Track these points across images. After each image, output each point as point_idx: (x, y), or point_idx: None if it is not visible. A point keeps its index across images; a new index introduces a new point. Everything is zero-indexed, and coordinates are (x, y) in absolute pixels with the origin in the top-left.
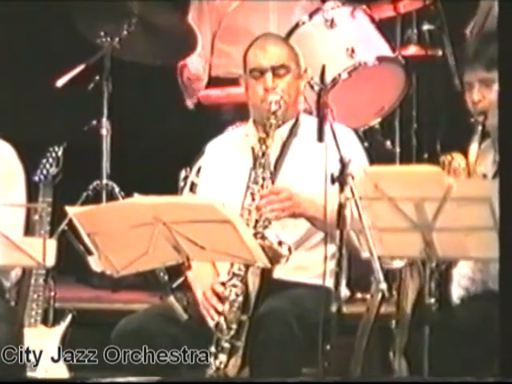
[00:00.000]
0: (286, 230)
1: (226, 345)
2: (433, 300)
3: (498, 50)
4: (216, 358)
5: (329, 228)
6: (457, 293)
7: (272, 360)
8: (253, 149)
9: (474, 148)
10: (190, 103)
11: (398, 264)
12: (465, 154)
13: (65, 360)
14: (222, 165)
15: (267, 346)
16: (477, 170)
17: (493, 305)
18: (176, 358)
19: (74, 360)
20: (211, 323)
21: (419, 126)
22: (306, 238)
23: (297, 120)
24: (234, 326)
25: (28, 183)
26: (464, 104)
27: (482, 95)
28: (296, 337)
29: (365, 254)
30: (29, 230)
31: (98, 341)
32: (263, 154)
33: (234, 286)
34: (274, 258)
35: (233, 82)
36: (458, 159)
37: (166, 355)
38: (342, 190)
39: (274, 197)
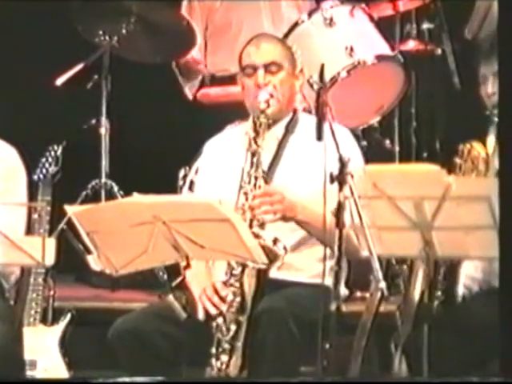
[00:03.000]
0: (283, 233)
1: (227, 345)
2: (439, 293)
3: (498, 49)
4: (218, 359)
5: (328, 229)
6: (461, 291)
7: (270, 359)
8: (249, 144)
9: (491, 139)
10: (188, 92)
11: None
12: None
13: (64, 358)
14: (221, 163)
15: (265, 344)
16: (494, 162)
17: (493, 304)
18: (173, 358)
19: (74, 359)
20: (201, 316)
21: (418, 124)
22: (303, 241)
23: (292, 117)
24: (233, 327)
25: (28, 182)
26: (462, 103)
27: (496, 88)
28: (293, 335)
29: (364, 253)
30: (28, 228)
31: (98, 340)
32: (254, 153)
33: (232, 285)
34: (270, 257)
35: (231, 80)
36: (477, 148)
37: (163, 355)
38: (341, 188)
39: (266, 198)
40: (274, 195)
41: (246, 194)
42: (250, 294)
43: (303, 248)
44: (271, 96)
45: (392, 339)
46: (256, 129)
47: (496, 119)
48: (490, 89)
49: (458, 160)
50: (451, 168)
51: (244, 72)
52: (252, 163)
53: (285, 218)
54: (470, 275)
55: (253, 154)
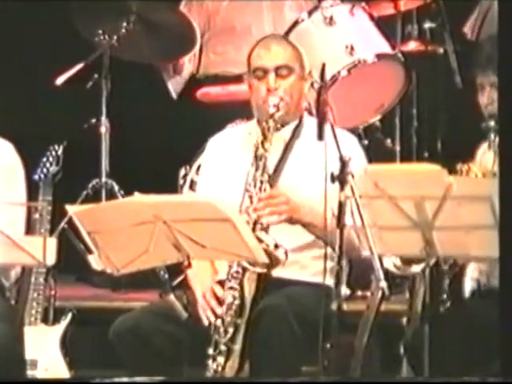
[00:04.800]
0: (285, 234)
1: (224, 347)
2: (444, 295)
3: (498, 49)
4: (214, 360)
5: (329, 229)
6: (467, 292)
7: (271, 358)
8: (256, 148)
9: (490, 156)
10: (171, 89)
11: (416, 269)
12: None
13: (65, 358)
14: (224, 162)
15: (266, 343)
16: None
17: (494, 304)
18: (174, 357)
19: (74, 358)
20: (206, 322)
21: (419, 123)
22: (307, 245)
23: (300, 121)
24: (231, 330)
25: (28, 181)
26: (464, 102)
27: (492, 99)
28: (295, 334)
29: (365, 253)
30: (29, 228)
31: (98, 339)
32: (261, 157)
33: (232, 288)
34: (271, 261)
35: (232, 79)
36: (474, 169)
37: (164, 353)
38: (342, 188)
39: (271, 200)
40: (279, 197)
41: (250, 197)
42: (249, 297)
43: (307, 246)
44: (281, 100)
45: (402, 342)
46: (264, 133)
47: (492, 134)
48: (486, 99)
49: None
50: (452, 168)
51: (254, 74)
52: (258, 167)
53: (291, 221)
54: (474, 277)
55: (260, 158)
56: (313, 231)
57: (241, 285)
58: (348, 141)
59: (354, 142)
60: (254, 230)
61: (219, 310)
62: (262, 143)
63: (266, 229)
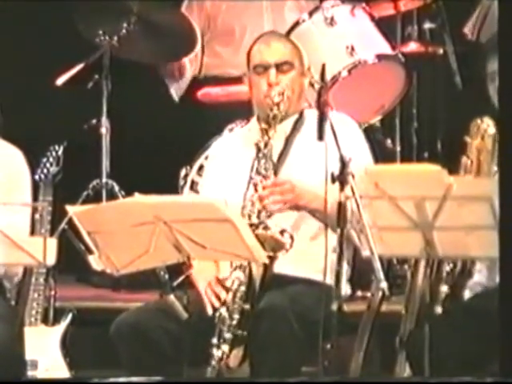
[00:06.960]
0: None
1: (228, 335)
2: (444, 292)
3: (498, 49)
4: (218, 348)
5: (329, 221)
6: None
7: (271, 358)
8: (256, 144)
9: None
10: (174, 94)
11: None
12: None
13: (65, 358)
14: (226, 162)
15: (266, 343)
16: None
17: (493, 304)
18: (174, 355)
19: (75, 359)
20: (210, 311)
21: (420, 124)
22: (301, 220)
23: (300, 116)
24: (237, 316)
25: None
26: (464, 103)
27: None
28: (295, 334)
29: (365, 253)
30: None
31: (99, 340)
32: (266, 145)
33: (237, 277)
34: (277, 246)
35: (232, 80)
36: (487, 122)
37: (164, 351)
38: (342, 188)
39: (276, 188)
40: (284, 185)
41: (255, 185)
42: (257, 280)
43: (308, 235)
44: (284, 91)
45: (398, 336)
46: (268, 121)
47: None
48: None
49: (468, 139)
50: (456, 163)
51: (254, 70)
52: (263, 154)
53: (297, 207)
54: (475, 280)
55: (264, 146)
56: (319, 217)
57: (247, 271)
58: (350, 132)
59: (355, 127)
60: (258, 217)
61: (224, 295)
62: (267, 131)
63: (270, 215)
